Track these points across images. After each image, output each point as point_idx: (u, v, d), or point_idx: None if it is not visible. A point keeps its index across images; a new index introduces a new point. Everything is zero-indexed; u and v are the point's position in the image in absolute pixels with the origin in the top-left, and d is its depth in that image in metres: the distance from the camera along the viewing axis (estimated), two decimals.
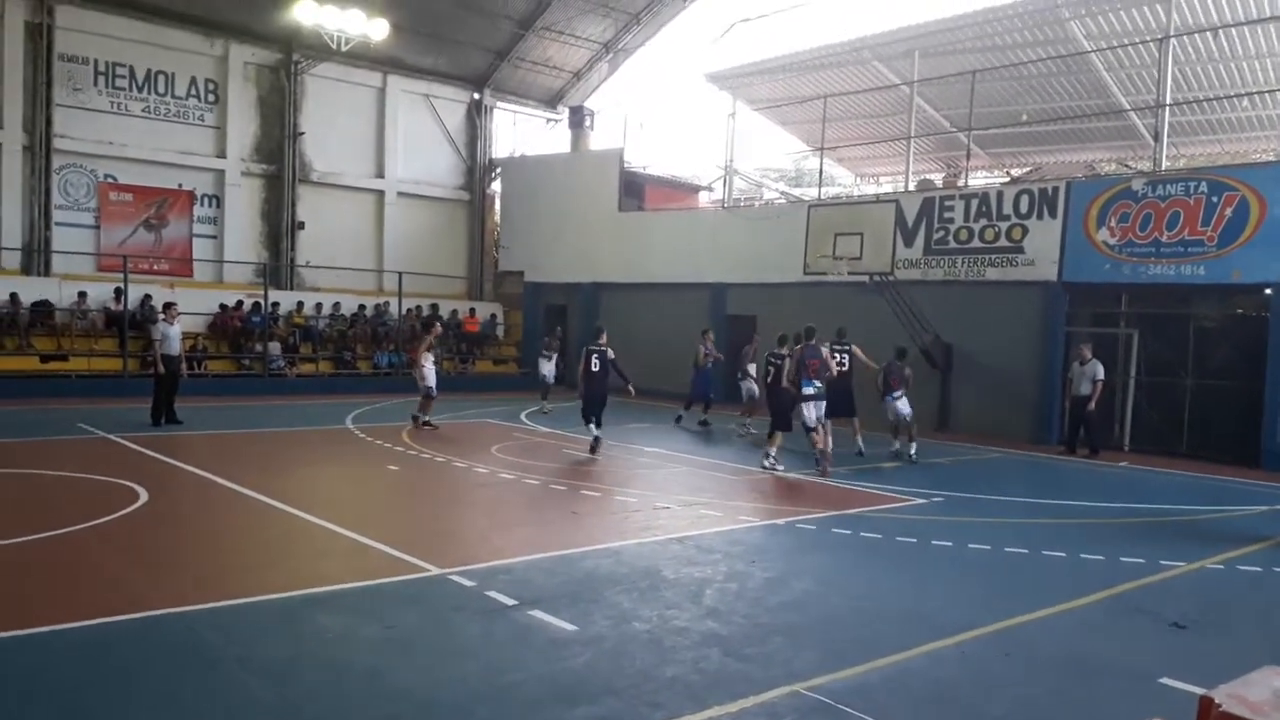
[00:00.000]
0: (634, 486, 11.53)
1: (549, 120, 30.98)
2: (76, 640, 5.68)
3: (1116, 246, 16.80)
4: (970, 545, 9.03)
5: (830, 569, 8.08)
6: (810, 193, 26.03)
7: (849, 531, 9.46)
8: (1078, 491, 12.70)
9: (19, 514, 8.94)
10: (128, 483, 10.39)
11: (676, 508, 10.35)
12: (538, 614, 6.35)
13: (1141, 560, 8.60)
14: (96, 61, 22.41)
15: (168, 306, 16.43)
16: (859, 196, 26.32)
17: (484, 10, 26.20)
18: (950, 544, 9.06)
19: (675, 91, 37.48)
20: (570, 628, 6.10)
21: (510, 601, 6.61)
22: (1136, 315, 17.52)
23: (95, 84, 22.46)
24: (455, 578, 7.20)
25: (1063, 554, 8.79)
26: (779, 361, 13.78)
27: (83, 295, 21.34)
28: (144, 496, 9.78)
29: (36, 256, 21.88)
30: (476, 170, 29.30)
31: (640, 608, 6.63)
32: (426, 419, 16.27)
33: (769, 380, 13.93)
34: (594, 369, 13.94)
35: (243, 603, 6.56)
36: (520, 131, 30.88)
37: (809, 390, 12.95)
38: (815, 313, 20.84)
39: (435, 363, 16.84)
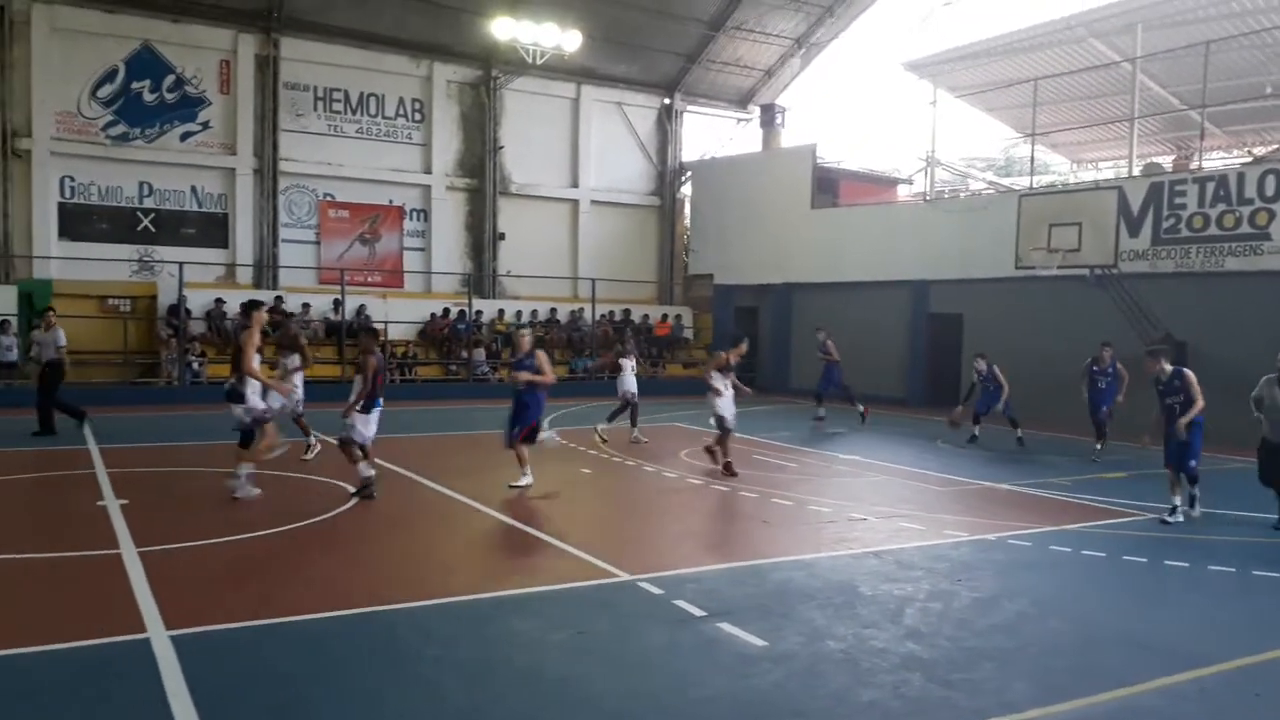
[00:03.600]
0: (828, 495, 11.07)
1: (740, 120, 30.73)
2: (292, 634, 5.97)
3: None
4: (1211, 567, 8.05)
5: (1047, 590, 7.38)
6: (1020, 182, 24.48)
7: (1068, 549, 8.64)
8: None
9: (243, 511, 9.58)
10: (340, 482, 10.96)
11: (874, 519, 9.82)
12: (726, 627, 6.11)
13: None
14: (316, 88, 24.13)
15: (43, 313, 16.10)
16: (1076, 184, 24.48)
17: (674, 15, 26.29)
18: (1187, 565, 8.10)
19: (871, 83, 36.22)
20: (760, 643, 5.83)
21: (699, 612, 6.41)
22: None
23: (315, 109, 24.19)
24: (644, 585, 7.07)
25: None
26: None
27: (306, 306, 23.00)
28: (352, 499, 10.25)
29: (265, 271, 23.77)
30: (666, 175, 29.45)
31: (834, 625, 6.26)
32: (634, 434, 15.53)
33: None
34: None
35: (440, 603, 6.70)
36: (710, 133, 30.80)
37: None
38: (1027, 310, 19.68)
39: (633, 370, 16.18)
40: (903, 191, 27.79)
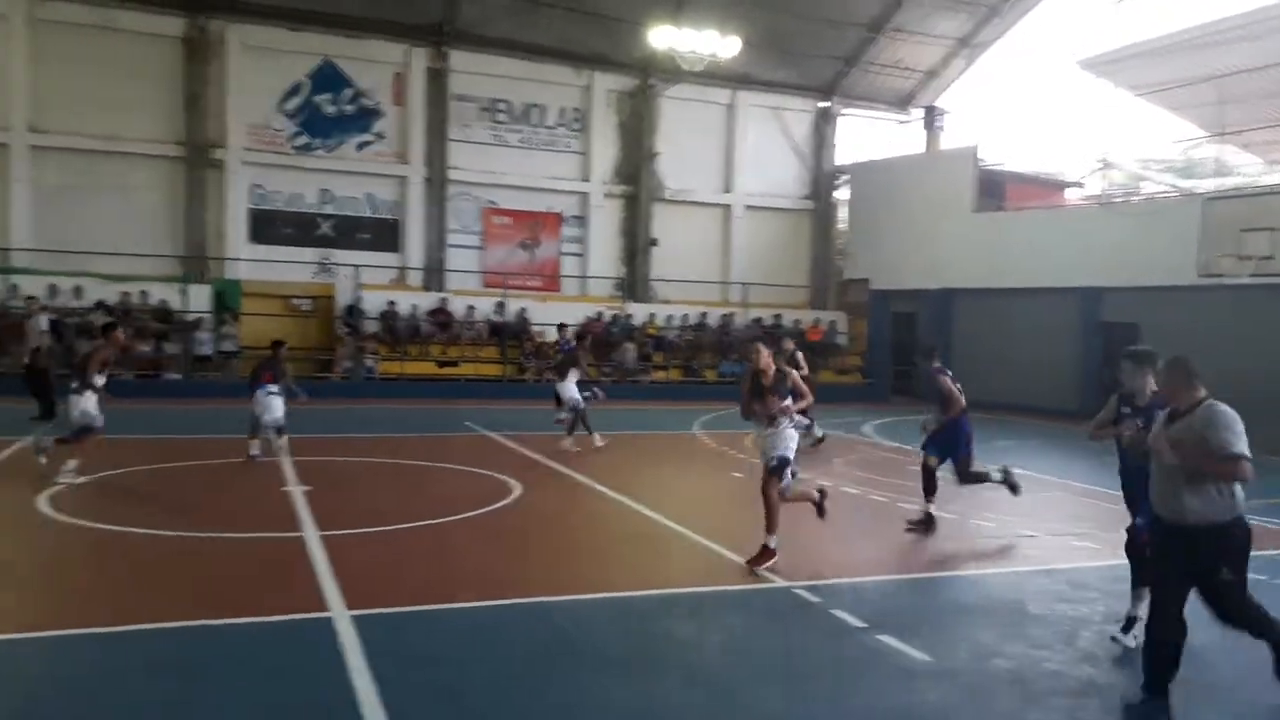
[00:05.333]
0: (994, 510, 10.64)
1: (900, 122, 29.99)
2: (461, 619, 6.25)
3: None
4: None
5: None
6: (1204, 184, 22.87)
7: (1263, 576, 8.01)
8: None
9: (416, 501, 10.06)
10: (503, 477, 11.35)
11: (1044, 536, 9.40)
12: (887, 639, 5.98)
13: None
14: (482, 99, 25.06)
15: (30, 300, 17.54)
16: (1270, 186, 22.68)
17: (832, 19, 25.92)
18: None
19: (1039, 82, 34.66)
20: (923, 658, 5.68)
21: (858, 623, 6.30)
22: None
23: (480, 119, 25.12)
24: (800, 592, 7.01)
25: None
26: None
27: (471, 308, 23.95)
28: (517, 491, 10.62)
29: (434, 275, 24.85)
30: (821, 178, 29.05)
31: (1002, 644, 6.03)
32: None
33: None
34: None
35: (597, 598, 6.85)
36: (868, 136, 30.18)
37: None
38: (1212, 320, 18.35)
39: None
40: (1072, 194, 26.47)
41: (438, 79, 24.45)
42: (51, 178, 21.57)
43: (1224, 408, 4.95)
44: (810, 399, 8.06)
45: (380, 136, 24.26)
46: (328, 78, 23.63)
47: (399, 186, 24.54)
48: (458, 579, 7.21)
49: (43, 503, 9.04)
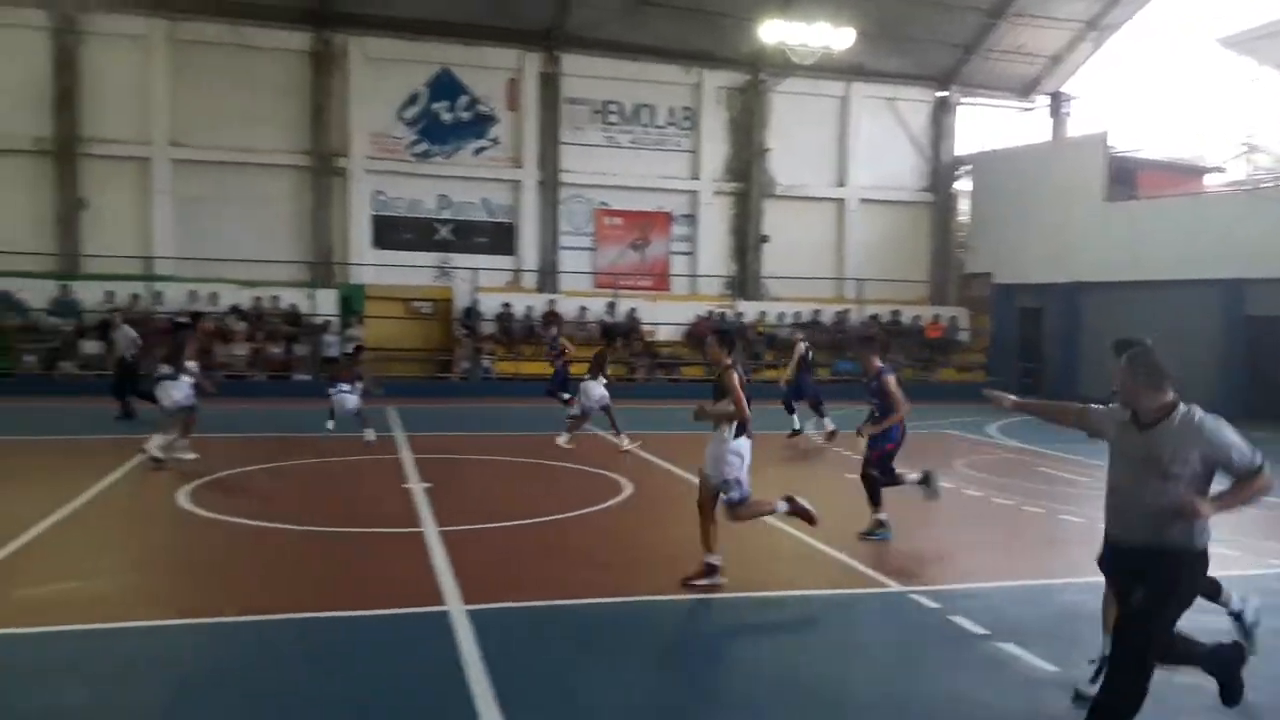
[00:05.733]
0: None
1: (1023, 110, 28.89)
2: (575, 616, 6.33)
3: None
4: None
5: None
6: None
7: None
8: None
9: (533, 498, 10.22)
10: (615, 475, 11.43)
11: None
12: (1011, 648, 5.75)
13: None
14: (593, 101, 25.32)
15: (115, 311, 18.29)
16: None
17: (950, 6, 25.16)
18: None
19: (1174, 63, 32.82)
20: (1049, 668, 5.44)
21: (979, 630, 6.07)
22: None
23: (592, 122, 25.39)
24: (917, 597, 6.82)
25: None
26: None
27: (583, 309, 24.22)
28: (628, 490, 10.67)
29: (547, 276, 25.25)
30: (940, 170, 28.24)
31: None
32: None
33: None
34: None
35: (708, 598, 6.80)
36: (989, 125, 29.14)
37: None
38: None
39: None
40: (1212, 181, 24.96)
41: (550, 83, 24.82)
42: (190, 189, 22.85)
43: (1207, 415, 4.17)
44: (745, 414, 6.80)
45: (495, 142, 24.79)
46: (445, 86, 24.28)
47: (513, 190, 25.02)
48: (572, 576, 7.28)
49: (182, 497, 9.56)
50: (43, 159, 21.96)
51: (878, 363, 8.75)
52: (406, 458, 12.34)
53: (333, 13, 23.14)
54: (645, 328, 24.47)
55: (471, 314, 23.05)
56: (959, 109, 28.39)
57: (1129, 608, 4.17)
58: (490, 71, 24.61)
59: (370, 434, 13.64)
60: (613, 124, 25.55)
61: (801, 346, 15.95)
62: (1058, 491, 11.38)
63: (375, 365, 22.12)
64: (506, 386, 21.97)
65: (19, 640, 5.63)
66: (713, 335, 7.14)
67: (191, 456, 11.50)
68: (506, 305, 23.77)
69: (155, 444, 11.28)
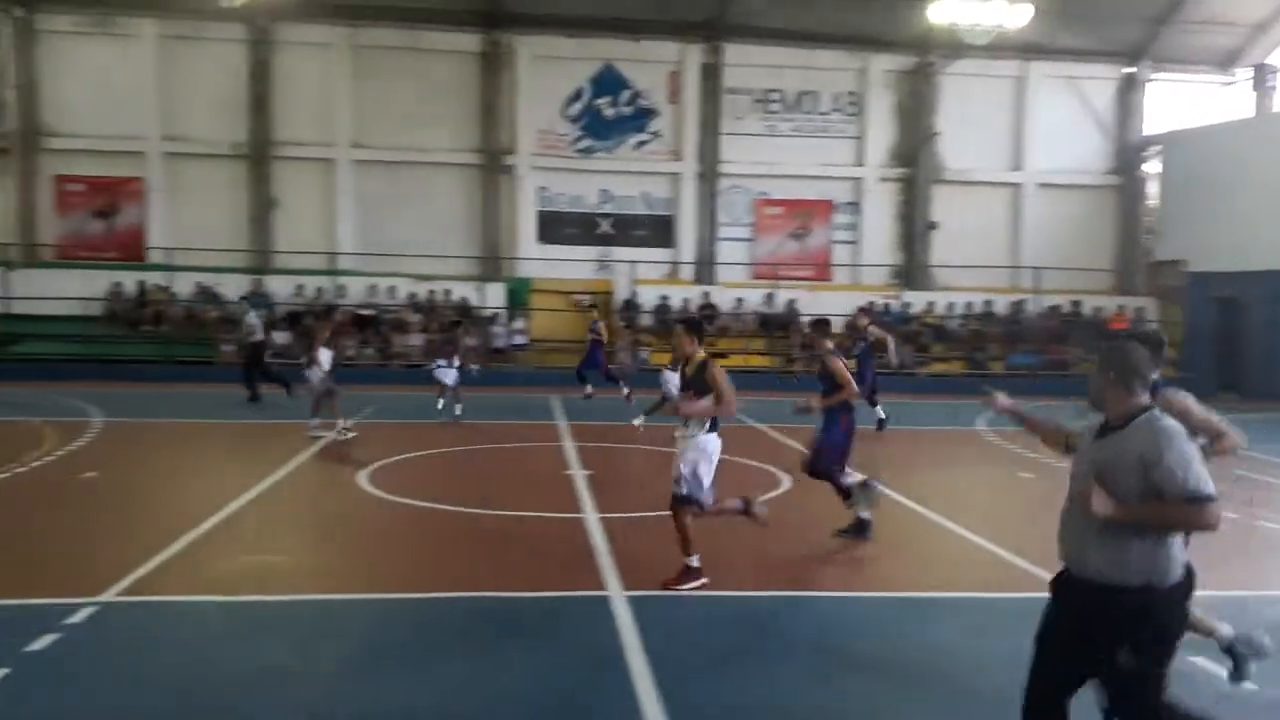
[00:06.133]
0: None
1: (1222, 85, 26.65)
2: (732, 608, 6.32)
3: None
4: None
5: None
6: None
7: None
8: None
9: None
10: (772, 469, 11.28)
11: None
12: (1200, 661, 5.31)
13: None
14: (755, 91, 25.08)
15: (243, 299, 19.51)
16: None
17: None
18: None
19: None
20: (1246, 685, 4.98)
21: None
22: None
23: (753, 111, 25.16)
24: None
25: None
26: None
27: (739, 301, 24.09)
28: (786, 483, 10.51)
29: (705, 268, 25.23)
30: (1127, 151, 26.41)
31: None
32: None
33: None
34: None
35: (874, 596, 6.63)
36: (1183, 102, 27.03)
37: None
38: None
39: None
40: None
41: (711, 74, 24.77)
42: (369, 188, 24.14)
43: (1172, 423, 3.45)
44: (730, 408, 6.43)
45: (656, 135, 24.96)
46: (607, 81, 24.63)
47: (673, 183, 25.12)
48: (729, 567, 7.22)
49: (363, 479, 10.09)
50: (239, 162, 23.70)
51: (828, 344, 8.27)
52: (568, 445, 12.60)
53: (501, 13, 23.87)
54: (804, 319, 24.07)
55: (630, 306, 23.33)
56: (1148, 86, 26.46)
57: (1112, 672, 3.45)
58: (652, 65, 24.78)
59: (458, 409, 14.49)
60: (774, 112, 25.23)
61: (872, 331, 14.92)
62: (1257, 497, 10.43)
63: (539, 356, 22.88)
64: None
65: (219, 608, 6.09)
66: (680, 325, 6.71)
67: (325, 435, 12.47)
68: (664, 297, 23.92)
69: (313, 424, 12.65)
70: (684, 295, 24.20)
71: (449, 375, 14.71)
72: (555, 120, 24.63)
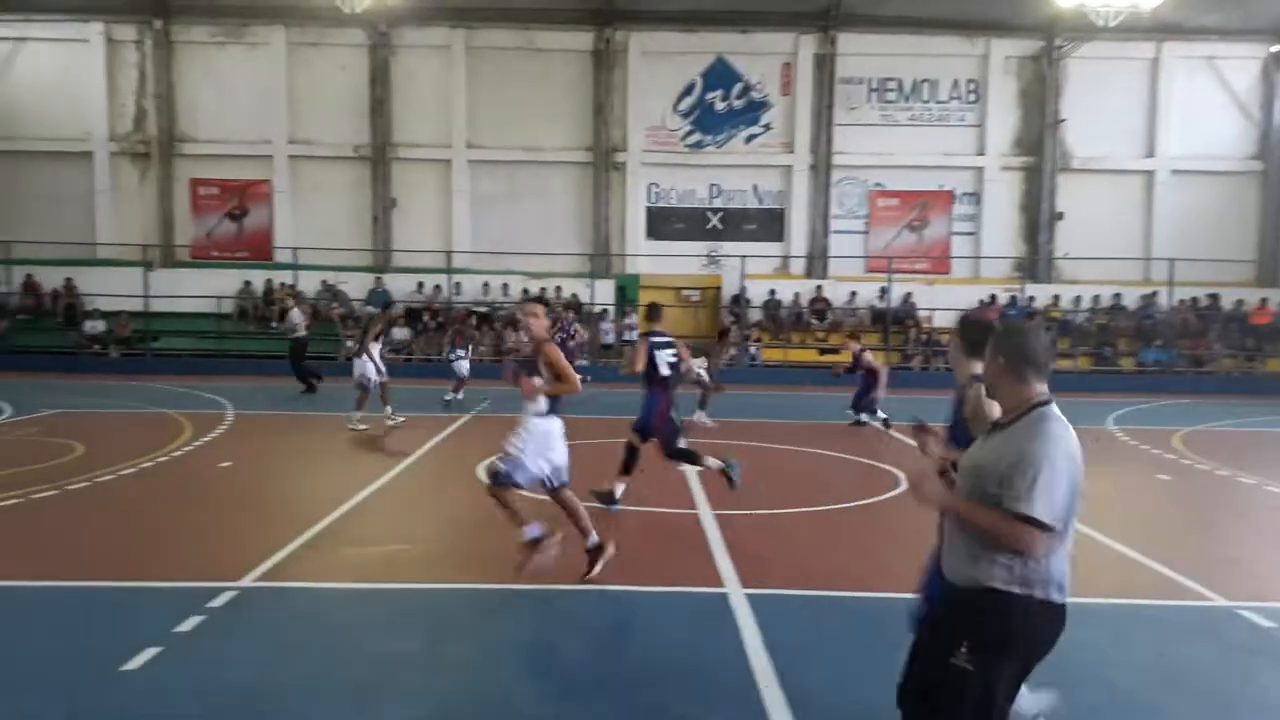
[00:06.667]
0: None
1: None
2: (853, 609, 6.17)
3: None
4: None
5: None
6: None
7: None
8: None
9: (802, 486, 10.09)
10: (889, 468, 11.01)
11: None
12: None
13: None
14: (870, 80, 24.55)
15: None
16: None
17: None
18: None
19: None
20: None
21: None
22: None
23: (868, 100, 24.63)
24: (1247, 614, 6.01)
25: None
26: None
27: (853, 294, 23.64)
28: (903, 483, 10.22)
29: (816, 262, 24.84)
30: (1271, 135, 24.79)
31: None
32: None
33: None
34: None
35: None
36: None
37: None
38: None
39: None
40: None
41: (824, 64, 24.37)
42: (483, 187, 24.65)
43: (1056, 428, 2.99)
44: (575, 388, 6.36)
45: (768, 127, 24.70)
46: (719, 75, 24.49)
47: (784, 176, 24.83)
48: (849, 567, 7.08)
49: (481, 471, 10.27)
50: (361, 164, 24.51)
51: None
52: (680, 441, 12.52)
53: (613, 10, 24.00)
54: (921, 313, 23.47)
55: (739, 301, 23.16)
56: None
57: (947, 666, 3.07)
58: (764, 57, 24.53)
59: (459, 396, 15.32)
60: (890, 102, 24.65)
61: (856, 346, 15.42)
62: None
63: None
64: (774, 374, 21.88)
65: (350, 594, 6.28)
66: (530, 305, 6.72)
67: (363, 427, 13.00)
68: (773, 291, 23.67)
69: (387, 414, 13.31)
70: (794, 289, 23.90)
71: (464, 366, 15.65)
72: (666, 115, 24.64)
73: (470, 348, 16.39)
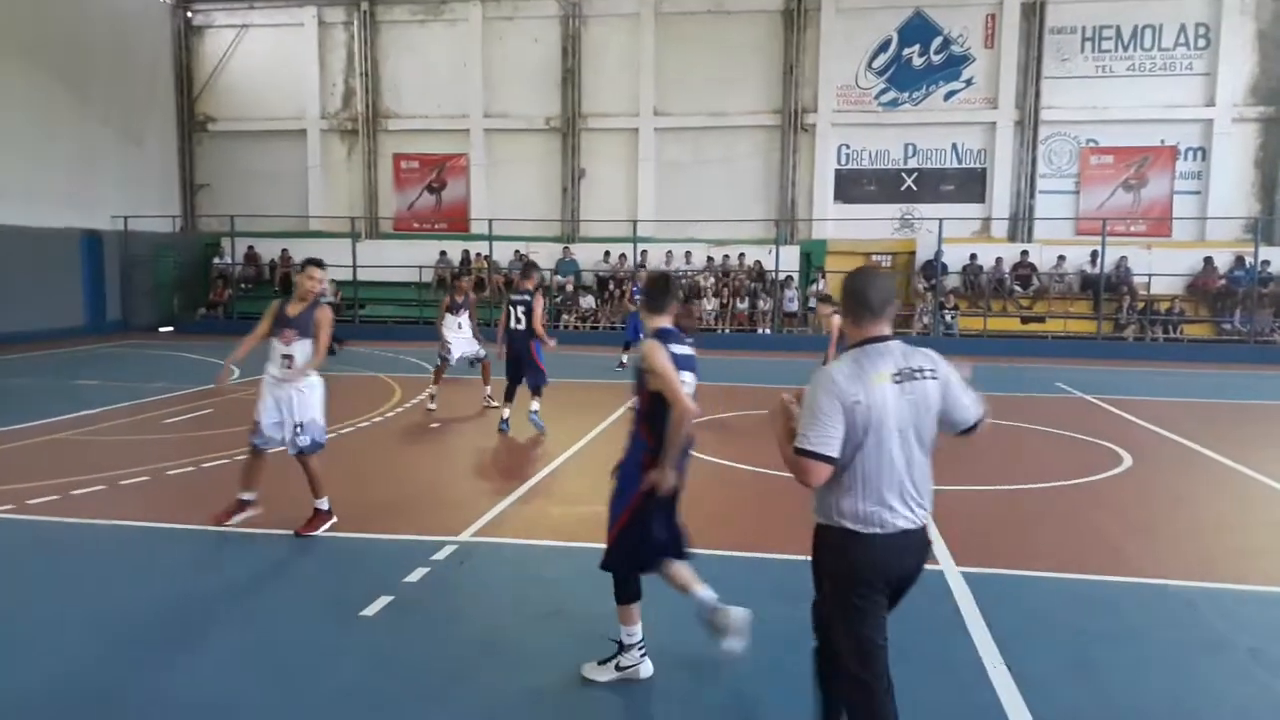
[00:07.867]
0: None
1: None
2: (1078, 590, 5.79)
3: None
4: None
5: None
6: None
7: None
8: None
9: (1016, 463, 9.57)
10: (1110, 445, 10.30)
11: None
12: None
13: None
14: (1083, 29, 22.81)
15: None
16: None
17: None
18: None
19: None
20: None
21: None
22: None
23: (1081, 51, 22.90)
24: None
25: None
26: None
27: (1061, 259, 22.17)
28: (1127, 461, 9.55)
29: (1020, 224, 23.45)
30: None
31: None
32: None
33: None
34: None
35: (1247, 589, 5.83)
36: None
37: None
38: None
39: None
40: None
41: (1032, 14, 22.84)
42: (669, 155, 24.66)
43: (835, 367, 3.19)
44: (320, 358, 6.62)
45: (969, 83, 23.43)
46: (917, 29, 23.40)
47: (987, 133, 23.52)
48: (1070, 547, 6.66)
49: None
50: (552, 135, 25.06)
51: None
52: None
53: None
54: (1137, 279, 21.79)
55: (933, 266, 22.19)
56: None
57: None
58: (966, 9, 23.25)
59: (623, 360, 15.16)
60: (1106, 51, 22.82)
61: (836, 320, 11.83)
62: None
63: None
64: (971, 344, 20.87)
65: (555, 551, 6.47)
66: (308, 264, 6.73)
67: (432, 406, 11.97)
68: (973, 255, 22.55)
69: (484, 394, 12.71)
70: (996, 253, 22.69)
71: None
72: (859, 74, 23.81)
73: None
